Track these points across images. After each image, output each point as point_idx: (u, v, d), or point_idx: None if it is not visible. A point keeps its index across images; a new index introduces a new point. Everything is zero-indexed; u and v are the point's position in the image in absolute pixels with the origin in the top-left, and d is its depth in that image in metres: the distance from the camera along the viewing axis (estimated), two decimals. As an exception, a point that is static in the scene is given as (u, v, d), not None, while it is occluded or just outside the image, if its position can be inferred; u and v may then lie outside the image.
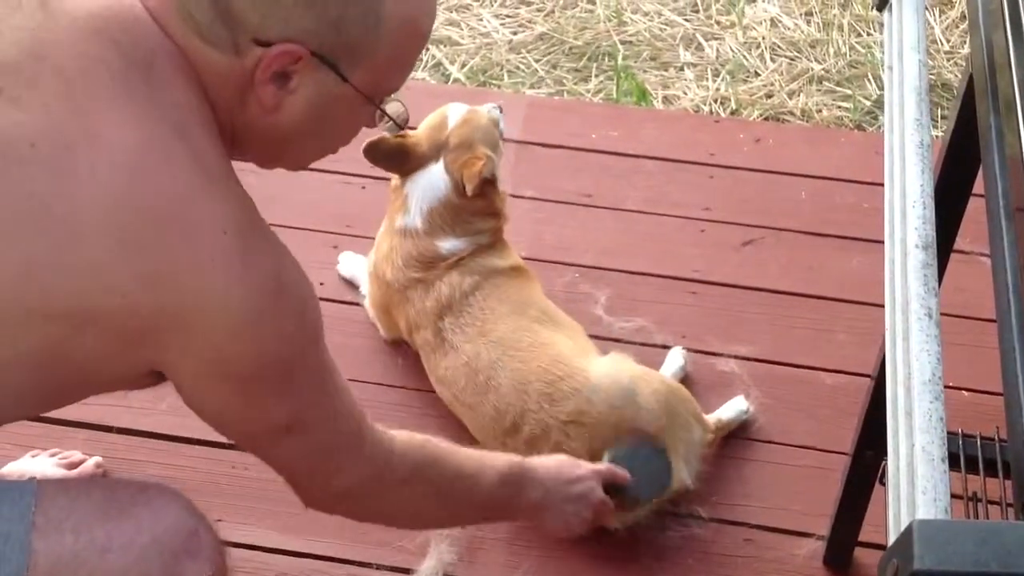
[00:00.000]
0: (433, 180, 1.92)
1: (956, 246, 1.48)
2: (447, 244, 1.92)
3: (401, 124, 1.21)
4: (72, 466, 1.83)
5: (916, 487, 0.79)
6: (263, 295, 1.11)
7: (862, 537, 1.74)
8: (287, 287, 1.14)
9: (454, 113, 1.95)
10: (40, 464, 1.81)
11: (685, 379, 2.03)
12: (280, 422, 1.21)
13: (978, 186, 1.22)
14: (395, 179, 1.98)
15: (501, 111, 2.01)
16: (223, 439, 1.89)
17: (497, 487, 1.48)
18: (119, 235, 1.05)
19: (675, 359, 2.05)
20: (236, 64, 1.09)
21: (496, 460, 1.52)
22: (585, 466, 1.64)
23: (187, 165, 1.07)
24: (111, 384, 1.22)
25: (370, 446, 1.32)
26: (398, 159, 1.93)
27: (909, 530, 0.72)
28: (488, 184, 1.91)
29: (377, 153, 1.92)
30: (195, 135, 1.09)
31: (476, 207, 1.93)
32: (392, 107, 1.19)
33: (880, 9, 1.26)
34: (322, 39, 1.08)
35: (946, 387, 0.88)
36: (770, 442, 1.97)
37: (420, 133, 1.95)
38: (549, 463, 1.61)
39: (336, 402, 1.26)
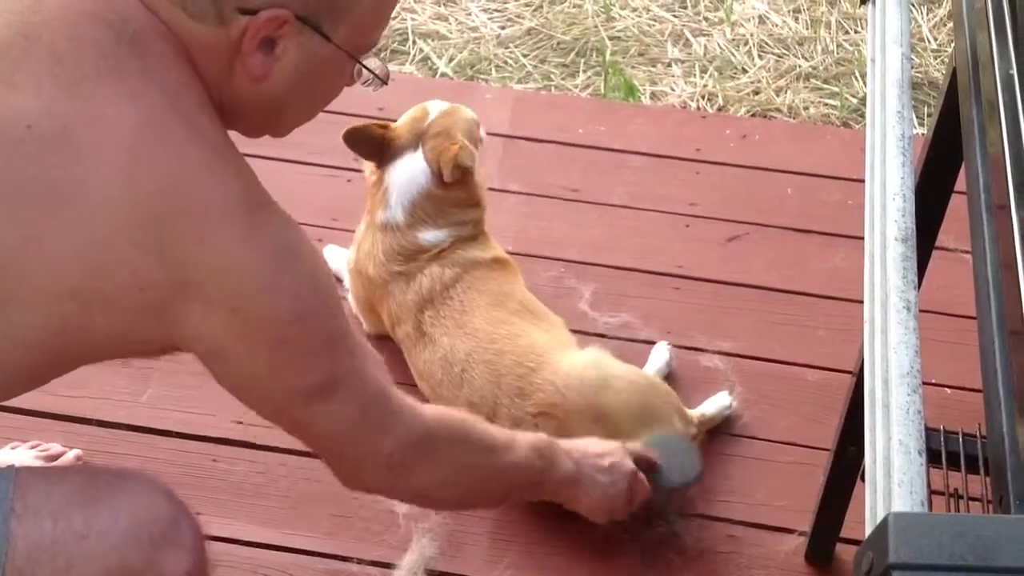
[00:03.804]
0: (412, 170, 1.92)
1: (942, 243, 1.48)
2: (429, 235, 1.92)
3: (383, 79, 1.21)
4: (52, 458, 1.82)
5: (892, 480, 0.79)
6: (274, 255, 1.11)
7: (844, 533, 1.74)
8: (297, 247, 1.15)
9: (435, 106, 1.97)
10: (19, 456, 1.80)
11: (669, 374, 2.03)
12: (312, 383, 1.19)
13: (962, 183, 1.22)
14: (372, 174, 1.98)
15: (478, 125, 2.02)
16: (204, 432, 1.92)
17: (530, 458, 1.46)
18: (125, 213, 1.05)
19: (660, 354, 2.05)
20: (222, 35, 1.09)
21: (525, 435, 1.51)
22: (612, 443, 1.62)
23: (185, 139, 1.08)
24: (122, 355, 1.23)
25: (402, 411, 1.30)
26: (377, 147, 1.93)
27: (884, 523, 0.71)
28: (466, 173, 1.91)
29: (357, 139, 1.92)
30: (191, 109, 1.09)
31: (456, 197, 1.93)
32: (372, 63, 1.20)
33: (864, 2, 1.26)
34: (305, 1, 1.09)
35: (930, 384, 0.88)
36: (753, 438, 1.97)
37: (401, 124, 1.96)
38: (576, 441, 1.59)
39: (364, 362, 1.25)
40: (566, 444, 1.56)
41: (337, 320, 1.21)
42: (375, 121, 1.97)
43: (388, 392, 1.28)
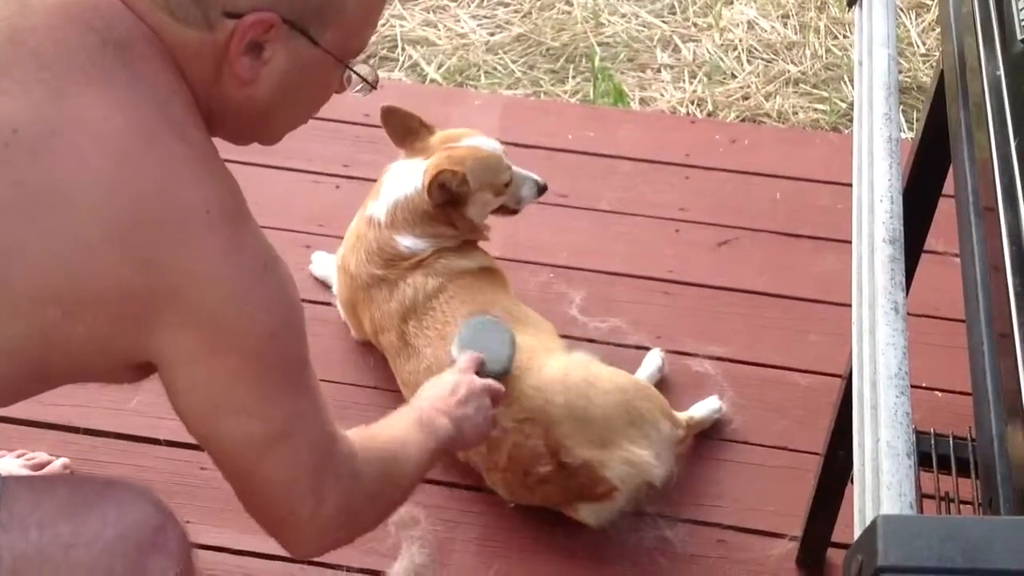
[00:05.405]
0: (408, 174, 1.91)
1: (931, 247, 1.48)
2: (407, 241, 1.90)
3: (372, 84, 1.21)
4: (38, 467, 1.81)
5: (881, 482, 0.79)
6: (252, 267, 1.11)
7: (835, 537, 1.74)
8: (273, 264, 1.14)
9: (478, 139, 1.94)
10: (5, 464, 1.79)
11: (660, 380, 2.02)
12: (275, 414, 1.16)
13: (950, 186, 1.22)
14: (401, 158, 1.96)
15: (539, 190, 1.98)
16: (193, 439, 1.90)
17: (423, 440, 1.43)
18: (109, 220, 1.04)
19: (652, 360, 2.04)
20: (209, 39, 1.09)
21: (403, 417, 1.47)
22: (448, 374, 1.61)
23: (171, 146, 1.07)
24: (96, 375, 1.21)
25: (343, 445, 1.27)
26: (407, 136, 1.93)
27: (873, 525, 0.71)
28: (452, 206, 1.89)
29: (392, 118, 1.92)
30: (177, 116, 1.09)
31: (438, 218, 1.90)
32: (360, 68, 1.19)
33: (851, 5, 1.26)
34: (291, 5, 1.09)
35: (920, 387, 0.88)
36: (744, 443, 1.97)
37: (438, 135, 1.94)
38: (425, 394, 1.56)
39: (320, 396, 1.23)
40: (425, 401, 1.52)
41: (303, 348, 1.19)
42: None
43: (334, 432, 1.25)
